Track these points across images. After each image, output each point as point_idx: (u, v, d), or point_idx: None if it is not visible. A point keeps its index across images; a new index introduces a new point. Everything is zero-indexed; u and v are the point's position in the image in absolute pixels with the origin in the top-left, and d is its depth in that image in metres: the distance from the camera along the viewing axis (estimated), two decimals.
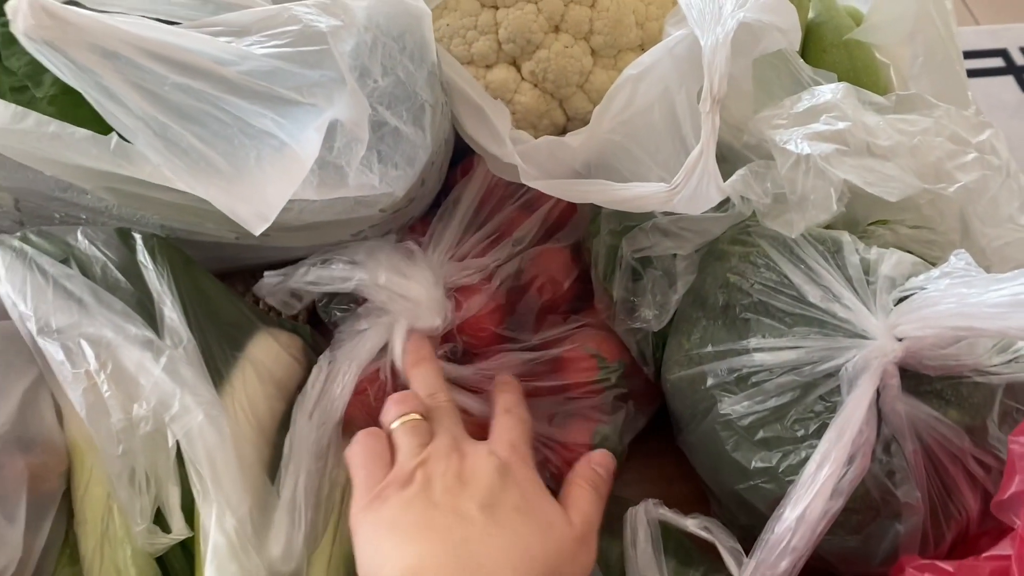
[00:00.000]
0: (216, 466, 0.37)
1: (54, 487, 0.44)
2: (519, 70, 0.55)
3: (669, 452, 0.50)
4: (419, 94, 0.42)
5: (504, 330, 0.51)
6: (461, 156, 0.56)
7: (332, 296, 0.51)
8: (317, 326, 0.52)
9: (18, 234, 0.44)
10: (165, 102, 0.32)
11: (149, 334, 0.40)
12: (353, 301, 0.50)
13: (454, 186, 0.54)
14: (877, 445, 0.39)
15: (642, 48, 0.56)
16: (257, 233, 0.35)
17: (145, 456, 0.39)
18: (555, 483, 0.46)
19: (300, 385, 0.48)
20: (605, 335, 0.51)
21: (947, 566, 0.36)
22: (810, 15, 0.67)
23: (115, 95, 0.31)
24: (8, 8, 0.30)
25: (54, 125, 0.35)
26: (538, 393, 0.48)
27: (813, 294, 0.40)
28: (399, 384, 0.47)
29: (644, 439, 0.52)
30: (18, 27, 0.30)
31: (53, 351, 0.39)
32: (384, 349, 0.47)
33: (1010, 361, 0.39)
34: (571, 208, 0.54)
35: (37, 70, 0.41)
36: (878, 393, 0.38)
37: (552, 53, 0.54)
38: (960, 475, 0.39)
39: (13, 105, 0.36)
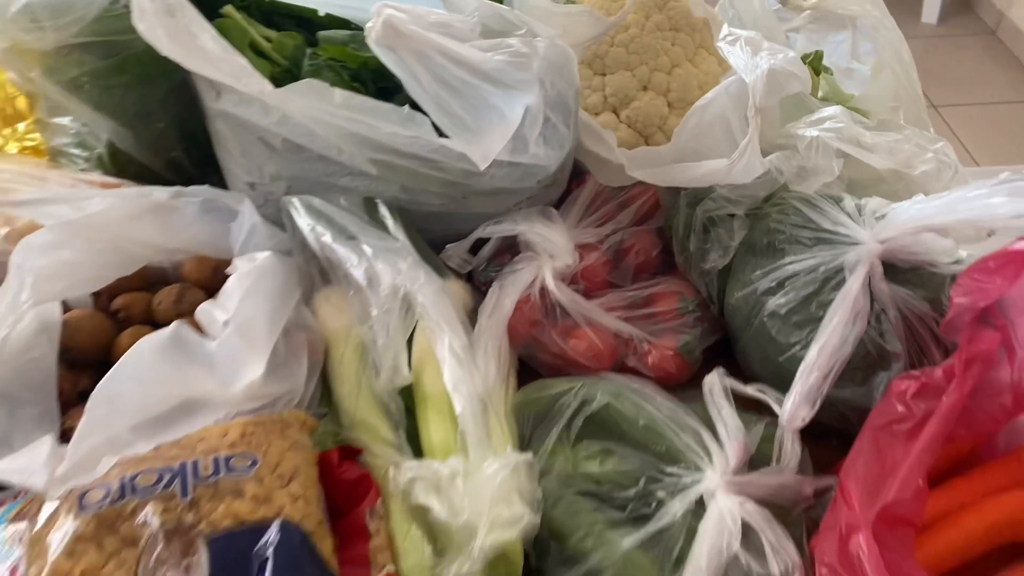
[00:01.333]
0: (445, 313, 0.59)
1: (319, 359, 0.66)
2: (618, 116, 0.80)
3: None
4: (568, 105, 0.66)
5: (610, 278, 0.73)
6: (576, 175, 0.80)
7: (489, 260, 0.74)
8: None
9: (303, 196, 0.68)
10: (446, 84, 0.57)
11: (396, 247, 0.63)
12: (502, 265, 0.73)
13: (571, 192, 0.78)
14: (871, 316, 0.60)
15: None
16: (482, 167, 0.59)
17: (392, 321, 0.61)
18: (652, 372, 0.67)
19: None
20: (683, 283, 0.73)
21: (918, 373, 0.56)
22: (819, 94, 0.93)
23: (419, 78, 0.56)
24: (368, 25, 0.55)
25: (363, 99, 0.60)
26: (636, 319, 0.70)
27: (824, 224, 0.63)
28: (546, 303, 0.69)
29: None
30: (371, 37, 0.55)
31: (343, 252, 0.62)
32: (533, 282, 0.69)
33: (955, 262, 0.61)
34: (655, 204, 0.78)
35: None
36: (870, 280, 0.60)
37: (642, 104, 0.79)
38: (927, 333, 0.60)
39: (325, 84, 0.60)
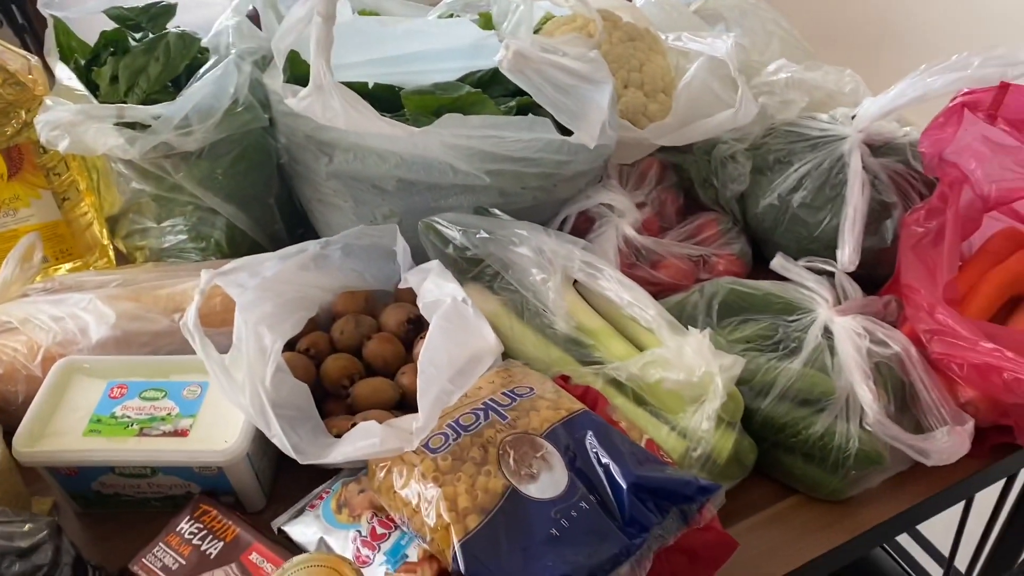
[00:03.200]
0: (596, 262, 0.78)
1: None
2: None
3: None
4: (616, 97, 0.87)
5: (662, 224, 0.94)
6: None
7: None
8: None
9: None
10: (559, 88, 0.76)
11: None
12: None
13: None
14: (870, 181, 0.85)
15: (664, 92, 1.05)
16: (591, 145, 0.78)
17: (555, 283, 0.79)
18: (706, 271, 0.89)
19: None
20: (712, 213, 0.95)
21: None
22: None
23: (541, 88, 0.75)
24: (498, 57, 0.74)
25: (494, 117, 0.78)
26: (697, 245, 0.92)
27: (813, 133, 0.88)
28: (631, 249, 0.88)
29: None
30: (504, 65, 0.74)
31: (504, 237, 0.79)
32: (616, 237, 0.89)
33: (904, 135, 0.88)
34: (662, 168, 1.00)
35: None
36: (862, 158, 0.85)
37: (627, 98, 1.01)
38: (906, 185, 0.86)
39: (460, 115, 0.78)
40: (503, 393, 0.68)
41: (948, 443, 0.69)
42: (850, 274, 0.82)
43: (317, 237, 0.87)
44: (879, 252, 0.87)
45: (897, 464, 0.73)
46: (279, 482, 0.78)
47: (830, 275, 0.82)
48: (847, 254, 0.82)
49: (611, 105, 0.82)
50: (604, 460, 0.62)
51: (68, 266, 0.95)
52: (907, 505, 0.74)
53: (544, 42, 0.78)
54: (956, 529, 1.21)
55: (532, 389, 0.68)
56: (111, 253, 0.99)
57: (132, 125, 0.78)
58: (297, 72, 0.85)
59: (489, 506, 0.60)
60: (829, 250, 0.85)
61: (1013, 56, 0.79)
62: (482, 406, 0.67)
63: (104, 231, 0.97)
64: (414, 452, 0.64)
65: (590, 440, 0.64)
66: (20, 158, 0.85)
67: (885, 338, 0.75)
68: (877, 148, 0.87)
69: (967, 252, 0.87)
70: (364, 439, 0.65)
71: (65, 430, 0.72)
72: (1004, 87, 0.77)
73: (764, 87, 0.94)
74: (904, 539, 1.46)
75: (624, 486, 0.61)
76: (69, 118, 0.75)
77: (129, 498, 0.74)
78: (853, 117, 0.87)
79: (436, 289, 0.75)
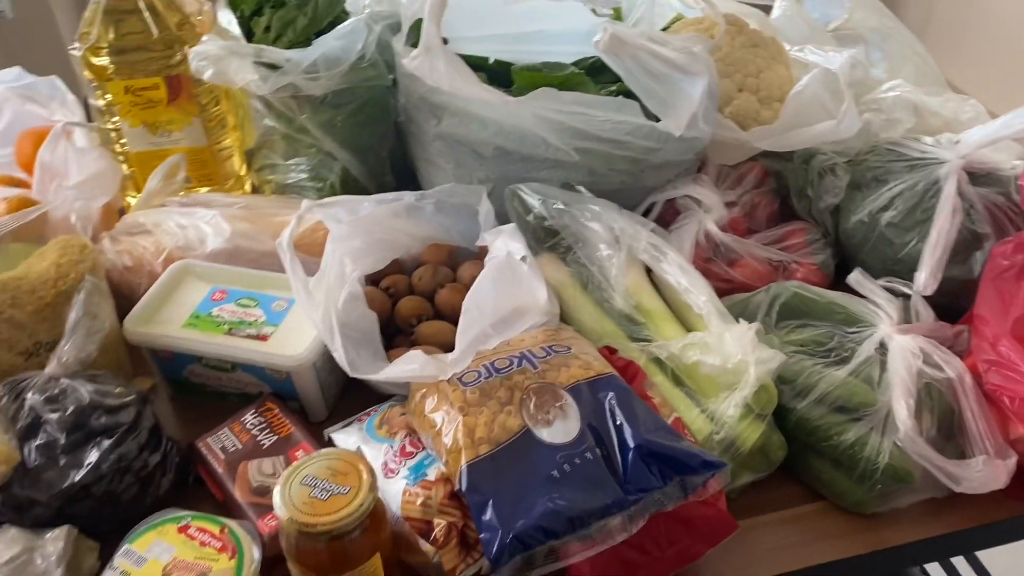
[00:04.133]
0: (662, 246, 0.81)
1: None
2: (722, 112, 1.04)
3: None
4: (715, 93, 0.90)
5: (750, 226, 0.95)
6: None
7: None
8: None
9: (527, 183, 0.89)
10: (651, 74, 0.79)
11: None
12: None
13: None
14: (963, 211, 0.83)
15: (780, 101, 1.06)
16: (677, 134, 0.81)
17: (619, 260, 0.82)
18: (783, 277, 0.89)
19: None
20: (804, 223, 0.95)
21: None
22: None
23: (634, 73, 0.79)
24: (596, 38, 0.78)
25: (586, 95, 0.82)
26: (779, 250, 0.92)
27: (913, 154, 0.87)
28: (711, 244, 0.90)
29: None
30: (600, 47, 0.78)
31: (576, 212, 0.83)
32: (697, 231, 0.91)
33: (1011, 168, 0.85)
34: (762, 174, 1.01)
35: None
36: (959, 185, 0.83)
37: (740, 102, 1.03)
38: (1003, 218, 0.83)
39: (554, 90, 0.83)
40: (540, 347, 0.73)
41: (982, 473, 0.67)
42: (933, 302, 0.81)
43: None
44: (964, 283, 0.84)
45: (930, 489, 0.72)
46: (344, 400, 0.86)
47: (906, 297, 0.81)
48: (924, 277, 0.80)
49: (706, 99, 0.84)
50: (619, 421, 0.66)
51: (206, 190, 1.08)
52: (936, 533, 0.72)
53: (652, 33, 0.82)
54: None
55: (569, 348, 0.72)
56: (246, 186, 1.11)
57: (270, 67, 0.88)
58: (419, 38, 0.93)
59: (502, 439, 0.65)
60: (912, 273, 0.83)
61: None
62: (518, 355, 0.71)
63: (243, 164, 1.09)
64: (448, 383, 0.69)
65: (610, 401, 0.67)
66: (179, 87, 0.98)
67: (941, 362, 0.73)
68: (978, 177, 0.85)
69: None
70: (407, 364, 0.71)
71: (168, 320, 0.83)
72: None
73: (872, 104, 0.93)
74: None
75: (632, 446, 0.64)
76: (216, 52, 0.86)
77: (212, 390, 0.84)
78: (957, 143, 0.85)
79: (503, 247, 0.80)
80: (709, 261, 0.90)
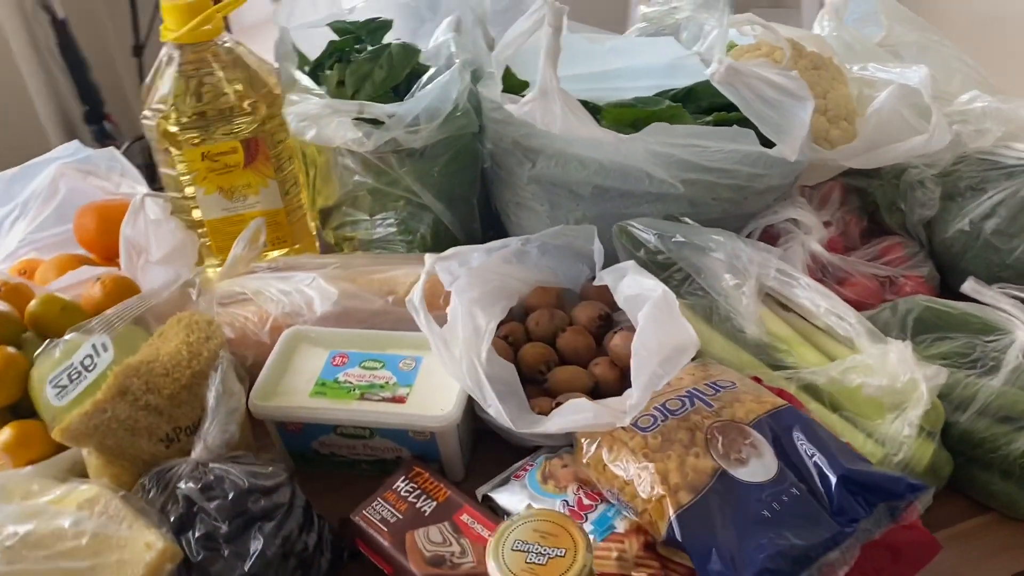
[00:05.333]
0: (794, 273, 0.81)
1: None
2: None
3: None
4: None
5: (846, 245, 0.96)
6: None
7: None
8: None
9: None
10: (766, 101, 0.80)
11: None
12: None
13: None
14: None
15: (847, 120, 1.07)
16: (792, 159, 0.82)
17: (749, 290, 0.82)
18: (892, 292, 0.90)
19: None
20: (897, 237, 0.96)
21: None
22: None
23: (749, 101, 0.79)
24: (710, 71, 0.78)
25: (700, 127, 0.82)
26: (879, 263, 0.93)
27: (1010, 161, 0.89)
28: (817, 264, 0.90)
29: None
30: (716, 79, 0.78)
31: (710, 243, 0.83)
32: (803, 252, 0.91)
33: None
34: (844, 191, 1.02)
35: None
36: None
37: (812, 122, 1.04)
38: None
39: (666, 124, 0.83)
40: (705, 384, 0.71)
41: None
42: None
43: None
44: None
45: None
46: (474, 458, 0.83)
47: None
48: None
49: (809, 123, 0.85)
50: (811, 453, 0.65)
51: (277, 253, 1.04)
52: None
53: (756, 69, 0.82)
54: None
55: (734, 384, 0.71)
56: (316, 245, 1.08)
57: (371, 123, 0.86)
58: (508, 84, 0.92)
59: (699, 484, 0.63)
60: (1021, 278, 0.85)
61: None
62: (686, 394, 0.70)
63: (313, 223, 1.06)
64: (624, 430, 0.68)
65: (797, 433, 0.66)
66: (256, 149, 0.95)
67: None
68: None
69: None
70: (578, 413, 0.69)
71: (293, 390, 0.79)
72: None
73: (957, 116, 0.95)
74: None
75: (833, 478, 0.63)
76: (316, 111, 0.83)
77: (342, 459, 0.81)
78: None
79: (636, 285, 0.79)
80: (819, 282, 0.89)
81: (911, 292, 0.90)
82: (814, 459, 0.64)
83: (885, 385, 0.71)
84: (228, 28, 1.89)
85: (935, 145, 0.91)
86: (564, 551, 0.58)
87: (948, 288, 0.93)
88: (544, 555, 0.58)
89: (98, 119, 2.64)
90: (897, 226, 0.97)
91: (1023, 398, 0.73)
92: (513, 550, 0.59)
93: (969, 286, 0.83)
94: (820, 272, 0.91)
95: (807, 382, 0.77)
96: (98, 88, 2.63)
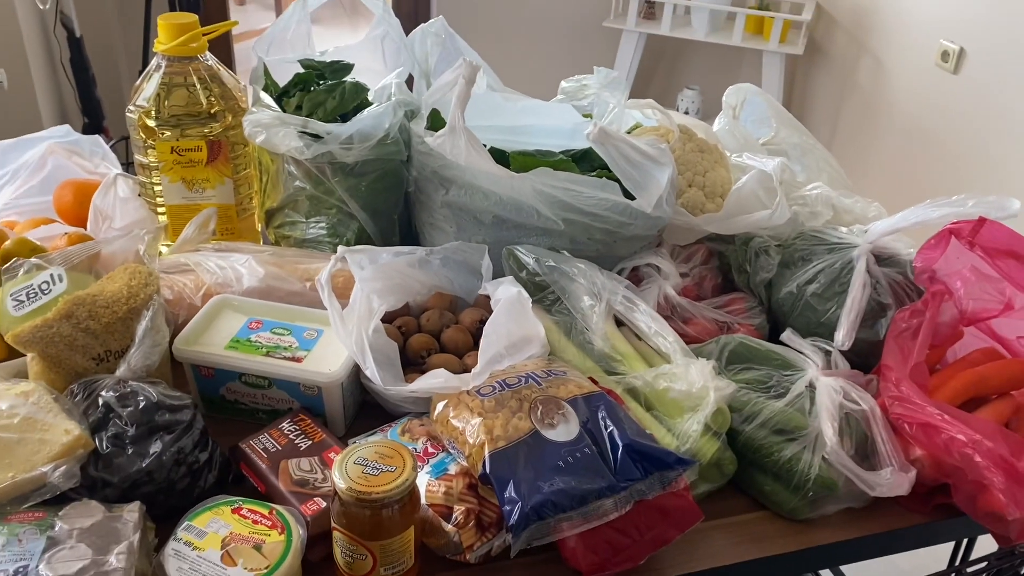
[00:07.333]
0: (635, 299, 0.98)
1: None
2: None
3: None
4: (676, 182, 1.10)
5: (699, 294, 1.14)
6: None
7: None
8: None
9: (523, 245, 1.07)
10: (630, 162, 0.99)
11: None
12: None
13: None
14: (872, 285, 1.04)
15: (721, 197, 1.27)
16: (649, 211, 1.01)
17: (600, 310, 1.00)
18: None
19: None
20: (742, 294, 1.15)
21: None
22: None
23: (616, 160, 0.98)
24: (586, 131, 0.98)
25: (576, 176, 1.01)
26: (723, 311, 1.11)
27: (832, 239, 1.08)
28: (668, 306, 1.08)
29: None
30: (591, 138, 0.98)
31: (566, 269, 1.01)
32: (658, 295, 1.09)
33: (907, 253, 1.07)
34: (708, 253, 1.21)
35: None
36: (868, 265, 1.04)
37: (690, 195, 1.24)
38: (902, 293, 1.05)
39: (550, 169, 1.02)
40: (542, 370, 0.88)
41: (890, 480, 0.85)
42: (847, 360, 1.00)
43: None
44: (873, 344, 1.04)
45: (852, 499, 0.89)
46: (356, 424, 0.99)
47: (827, 352, 1.00)
48: (842, 335, 1.00)
49: (670, 186, 1.04)
50: (609, 426, 0.81)
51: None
52: (855, 535, 0.89)
53: (625, 135, 1.02)
54: None
55: (565, 372, 0.89)
56: (260, 241, 1.25)
57: (312, 137, 1.05)
58: (435, 124, 1.11)
59: (515, 438, 0.79)
60: (832, 335, 1.03)
61: (1001, 203, 0.99)
62: (525, 375, 0.87)
63: (260, 223, 1.23)
64: (468, 394, 0.84)
65: (602, 412, 0.83)
66: (218, 150, 1.13)
67: (857, 398, 0.92)
68: (883, 259, 1.06)
69: (951, 359, 1.04)
70: (434, 379, 0.86)
71: (212, 343, 0.95)
72: (981, 221, 0.96)
73: (799, 199, 1.15)
74: None
75: (620, 445, 0.79)
76: (268, 121, 1.02)
77: (244, 407, 0.96)
78: (866, 232, 1.07)
79: (504, 292, 0.97)
80: (668, 319, 1.08)
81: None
82: (610, 431, 0.81)
83: (684, 390, 0.89)
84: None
85: (776, 220, 1.10)
86: (395, 468, 0.74)
87: (777, 338, 1.11)
88: (378, 469, 0.74)
89: (95, 132, 2.83)
90: (743, 285, 1.16)
91: (797, 416, 0.90)
92: (355, 463, 0.75)
93: (786, 335, 1.01)
94: (670, 311, 1.09)
95: (631, 386, 0.94)
96: (100, 102, 2.83)
